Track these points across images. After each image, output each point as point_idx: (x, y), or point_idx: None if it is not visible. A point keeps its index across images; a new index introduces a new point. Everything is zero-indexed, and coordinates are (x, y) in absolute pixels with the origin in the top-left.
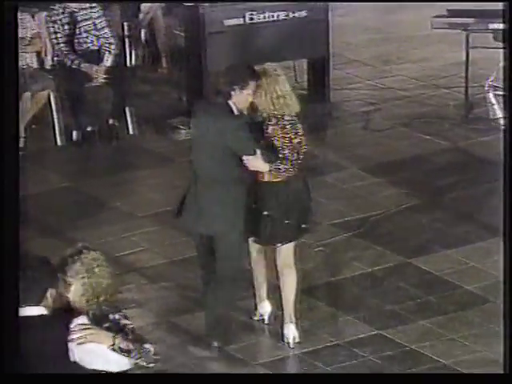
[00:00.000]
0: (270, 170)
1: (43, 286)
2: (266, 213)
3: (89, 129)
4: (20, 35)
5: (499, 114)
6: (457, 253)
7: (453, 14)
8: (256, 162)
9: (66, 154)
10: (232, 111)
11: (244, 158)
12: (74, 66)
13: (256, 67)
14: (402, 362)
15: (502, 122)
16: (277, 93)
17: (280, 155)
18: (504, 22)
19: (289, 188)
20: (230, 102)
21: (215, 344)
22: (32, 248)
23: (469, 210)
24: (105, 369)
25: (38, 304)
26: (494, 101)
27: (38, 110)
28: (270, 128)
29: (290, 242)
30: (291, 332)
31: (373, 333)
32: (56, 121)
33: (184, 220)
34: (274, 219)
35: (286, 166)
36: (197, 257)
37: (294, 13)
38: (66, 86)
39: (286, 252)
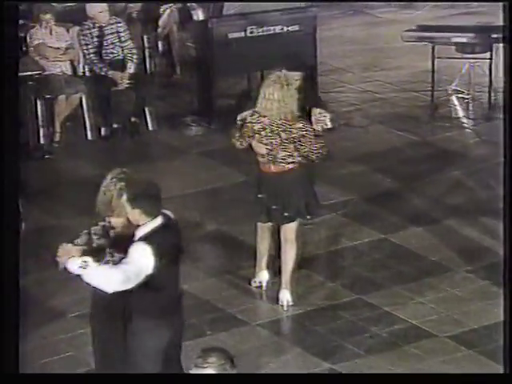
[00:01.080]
0: None
1: (159, 203)
2: (260, 196)
3: (115, 126)
4: (56, 46)
5: (460, 113)
6: (424, 230)
7: (421, 28)
8: None
9: (95, 147)
10: None
11: None
12: (102, 73)
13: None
14: (378, 322)
15: (463, 120)
16: (264, 95)
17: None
18: (504, 23)
19: (280, 180)
20: None
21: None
22: (70, 224)
23: (435, 194)
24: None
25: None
26: (456, 102)
27: (72, 110)
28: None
29: (280, 224)
30: (285, 296)
31: (354, 297)
32: (87, 119)
33: None
34: (265, 203)
35: None
36: None
37: (287, 27)
38: (96, 89)
39: (289, 229)
